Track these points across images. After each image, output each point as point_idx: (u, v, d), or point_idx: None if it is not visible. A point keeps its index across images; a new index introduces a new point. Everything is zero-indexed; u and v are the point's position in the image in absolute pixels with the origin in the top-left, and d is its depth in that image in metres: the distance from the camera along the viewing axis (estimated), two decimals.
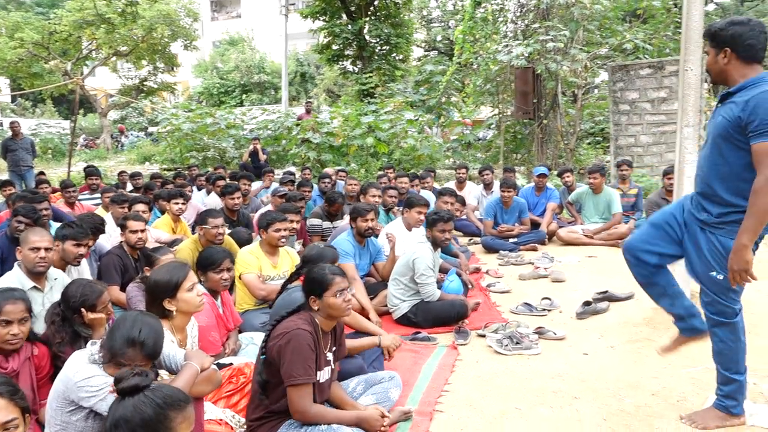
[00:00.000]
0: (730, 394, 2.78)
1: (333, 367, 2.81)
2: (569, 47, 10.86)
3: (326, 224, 6.12)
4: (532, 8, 11.51)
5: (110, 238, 5.45)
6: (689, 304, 2.91)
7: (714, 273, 2.61)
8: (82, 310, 2.80)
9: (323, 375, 2.69)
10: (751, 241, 2.44)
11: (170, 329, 2.64)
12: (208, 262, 3.63)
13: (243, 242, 5.06)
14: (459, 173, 8.55)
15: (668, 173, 6.39)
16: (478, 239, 7.54)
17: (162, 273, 2.74)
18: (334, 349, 2.82)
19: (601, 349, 3.89)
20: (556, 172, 8.67)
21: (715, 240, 2.59)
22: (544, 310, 4.71)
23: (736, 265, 2.47)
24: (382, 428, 2.66)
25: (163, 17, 22.31)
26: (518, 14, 12.06)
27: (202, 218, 4.58)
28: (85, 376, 2.12)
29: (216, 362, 3.22)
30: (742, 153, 2.48)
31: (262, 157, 12.50)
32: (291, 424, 2.54)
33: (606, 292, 4.79)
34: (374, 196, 6.20)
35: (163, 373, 3.16)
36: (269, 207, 6.38)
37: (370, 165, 13.10)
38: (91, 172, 9.11)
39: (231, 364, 3.16)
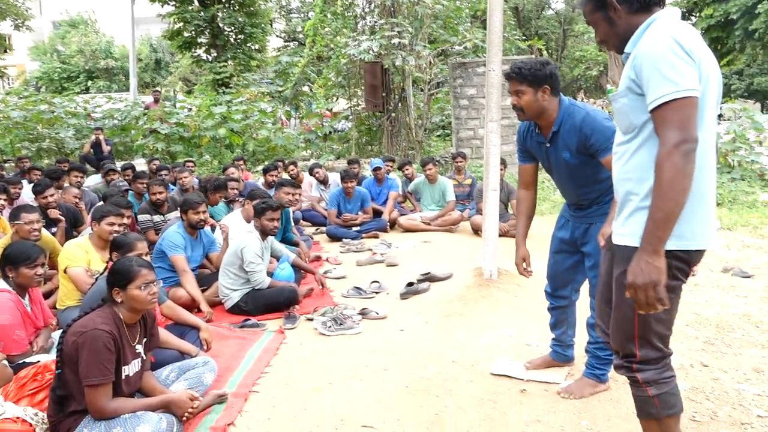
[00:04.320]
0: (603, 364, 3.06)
1: (144, 357, 2.85)
2: (414, 44, 11.41)
3: (157, 218, 6.00)
4: (379, 5, 11.91)
5: None
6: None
7: None
8: None
9: (131, 369, 2.72)
10: None
11: None
12: (23, 256, 3.44)
13: None
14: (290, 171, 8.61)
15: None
16: (324, 228, 7.77)
17: None
18: (144, 340, 2.86)
19: (417, 325, 4.25)
20: (397, 165, 9.13)
21: None
22: (373, 292, 5.02)
23: None
24: (191, 410, 2.75)
25: None
26: (366, 10, 12.43)
27: (14, 213, 4.33)
28: None
29: (22, 360, 3.15)
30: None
31: (106, 148, 11.87)
32: (92, 418, 2.56)
33: (428, 273, 5.21)
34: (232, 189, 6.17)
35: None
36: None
37: (224, 157, 12.89)
38: None
39: (38, 362, 3.08)
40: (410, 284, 4.94)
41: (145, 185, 6.79)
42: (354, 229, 7.44)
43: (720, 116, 16.56)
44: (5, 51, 25.29)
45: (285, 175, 8.43)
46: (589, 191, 2.96)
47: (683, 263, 1.93)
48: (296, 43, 27.03)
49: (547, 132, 2.94)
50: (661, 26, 1.88)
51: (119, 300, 2.68)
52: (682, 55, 1.78)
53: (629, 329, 2.02)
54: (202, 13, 17.52)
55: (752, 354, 3.54)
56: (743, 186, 8.83)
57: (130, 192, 6.98)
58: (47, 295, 4.34)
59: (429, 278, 5.14)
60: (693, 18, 21.30)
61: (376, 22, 12.08)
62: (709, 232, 1.94)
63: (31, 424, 2.64)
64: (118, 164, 11.27)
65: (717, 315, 4.24)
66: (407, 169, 8.39)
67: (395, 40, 10.89)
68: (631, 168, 1.98)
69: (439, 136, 15.86)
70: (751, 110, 11.16)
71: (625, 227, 2.01)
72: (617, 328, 2.08)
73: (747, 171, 9.49)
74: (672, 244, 1.86)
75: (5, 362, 2.41)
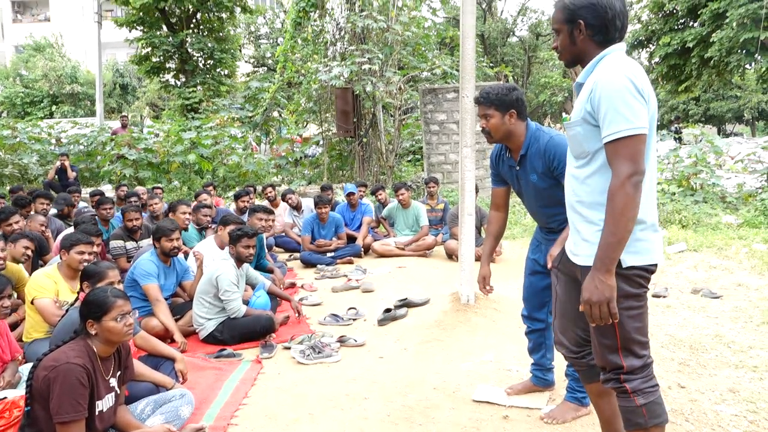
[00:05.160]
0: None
1: (118, 391, 2.76)
2: (384, 70, 11.54)
3: (130, 244, 5.86)
4: (349, 31, 12.04)
5: None
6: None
7: None
8: None
9: (105, 404, 2.63)
10: None
11: None
12: None
13: None
14: (267, 193, 8.57)
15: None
16: (298, 255, 7.70)
17: None
18: (118, 373, 2.76)
19: (396, 352, 4.21)
20: (369, 191, 9.13)
21: None
22: (350, 319, 4.97)
23: None
24: None
25: None
26: (336, 37, 12.54)
27: None
28: None
29: None
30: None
31: (71, 174, 11.61)
32: None
33: (405, 299, 5.19)
34: (184, 213, 6.08)
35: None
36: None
37: (193, 183, 12.73)
38: None
39: (5, 398, 2.94)
40: (388, 310, 4.90)
41: (109, 211, 6.64)
42: (328, 254, 7.39)
43: (680, 140, 17.17)
44: None
45: (260, 200, 8.37)
46: (557, 213, 3.00)
47: (645, 272, 2.11)
48: (265, 68, 27.07)
49: (517, 155, 3.02)
50: (614, 62, 2.04)
51: (93, 332, 2.60)
52: (636, 95, 1.97)
53: (612, 343, 2.12)
54: (170, 39, 17.43)
55: (727, 374, 3.61)
56: (706, 208, 9.08)
57: (96, 218, 6.82)
58: (13, 327, 4.17)
59: (406, 304, 5.12)
60: (651, 46, 22.04)
61: (346, 48, 12.20)
62: (660, 248, 2.16)
63: None
64: (85, 191, 11.05)
65: (690, 336, 4.31)
66: (380, 194, 8.40)
67: (365, 66, 11.01)
68: (584, 192, 2.15)
69: (409, 161, 15.97)
70: (710, 134, 11.55)
71: (591, 249, 2.09)
72: (599, 344, 2.16)
73: (709, 194, 9.77)
74: (635, 260, 2.07)
75: None
